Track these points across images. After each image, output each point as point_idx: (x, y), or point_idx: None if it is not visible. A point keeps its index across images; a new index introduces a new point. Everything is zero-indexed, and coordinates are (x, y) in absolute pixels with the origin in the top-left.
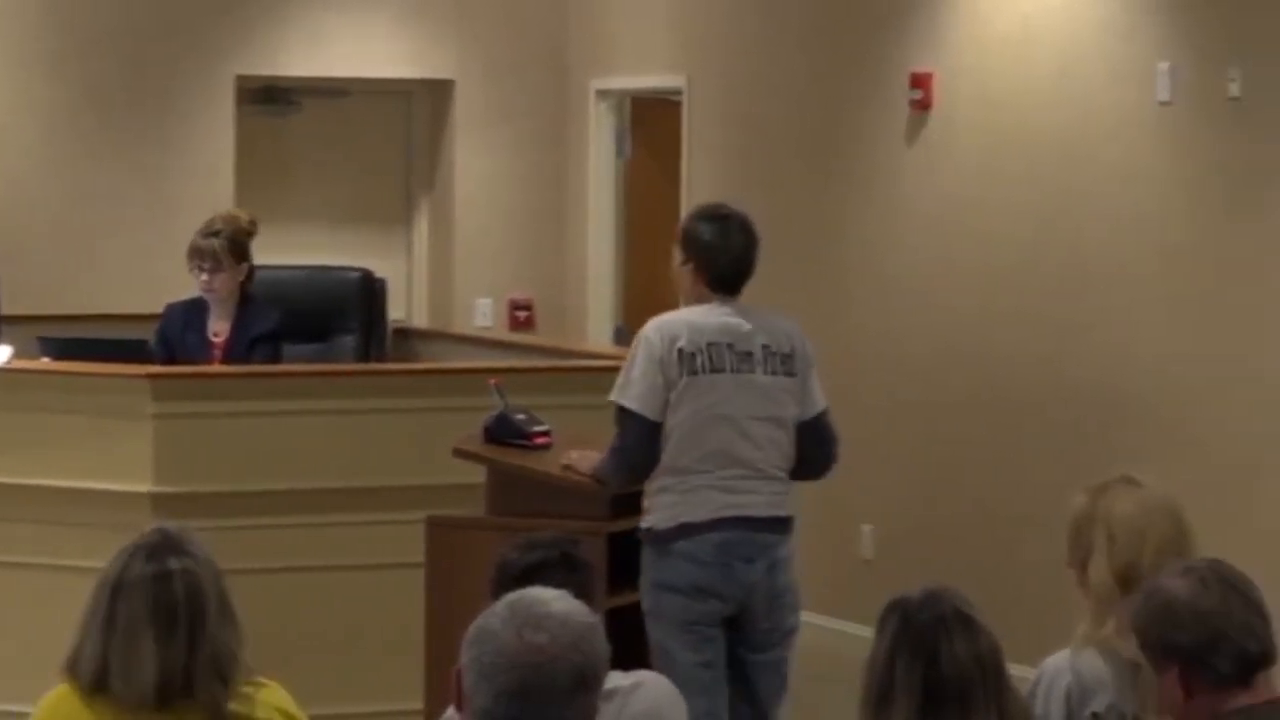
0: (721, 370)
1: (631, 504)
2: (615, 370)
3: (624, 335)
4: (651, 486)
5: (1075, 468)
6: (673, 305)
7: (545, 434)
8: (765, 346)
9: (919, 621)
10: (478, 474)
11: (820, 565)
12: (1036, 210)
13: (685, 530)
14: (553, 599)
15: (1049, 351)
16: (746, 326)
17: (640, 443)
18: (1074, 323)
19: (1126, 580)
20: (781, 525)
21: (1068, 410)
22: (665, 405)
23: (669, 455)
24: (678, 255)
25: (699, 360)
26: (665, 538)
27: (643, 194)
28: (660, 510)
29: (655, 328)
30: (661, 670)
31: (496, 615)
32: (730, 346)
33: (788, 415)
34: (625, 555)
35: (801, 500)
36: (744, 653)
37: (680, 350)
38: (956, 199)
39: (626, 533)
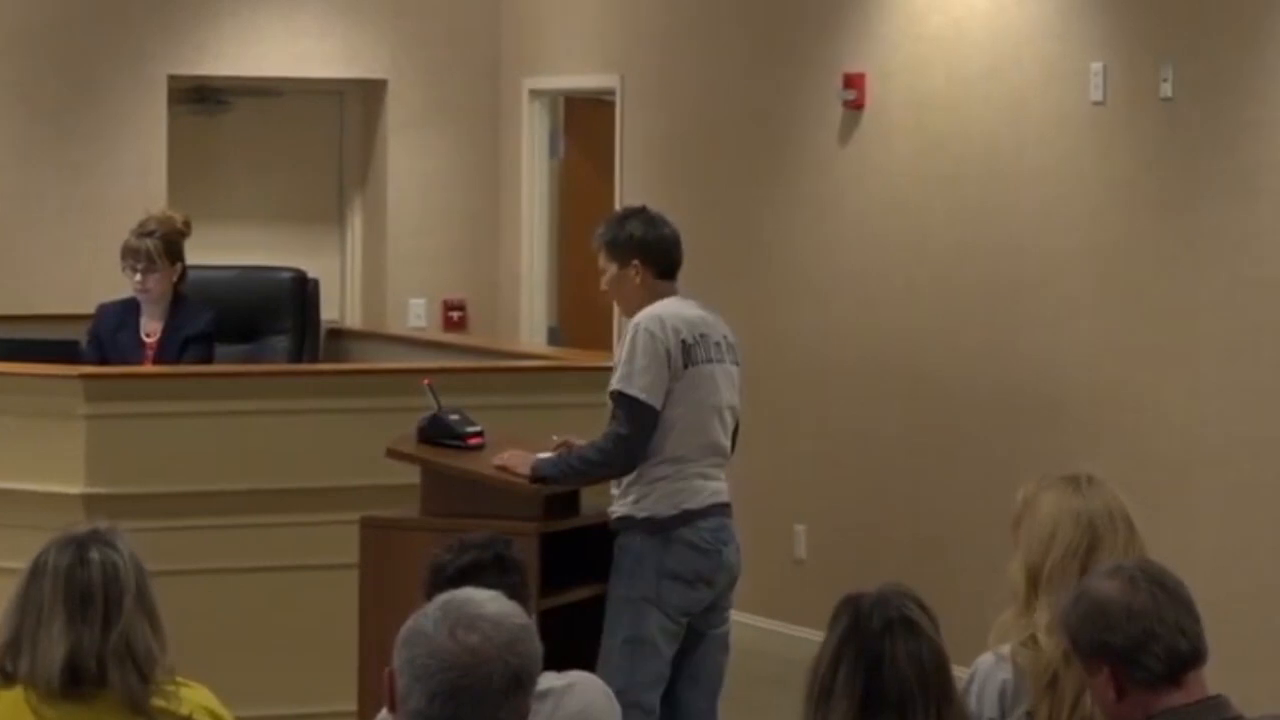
0: (709, 361)
1: (565, 504)
2: (549, 371)
3: (558, 336)
4: (645, 475)
5: (1010, 467)
6: (608, 305)
7: (479, 434)
8: (725, 336)
9: (867, 625)
10: (412, 475)
11: (754, 565)
12: (969, 211)
13: (687, 517)
14: (485, 600)
15: (982, 351)
16: (710, 317)
17: (646, 431)
18: (1007, 323)
19: (1031, 582)
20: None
21: (1002, 410)
22: (665, 396)
23: (671, 445)
24: (612, 266)
25: (697, 352)
26: (668, 525)
27: (576, 195)
28: (659, 498)
29: (655, 321)
30: (637, 665)
31: (429, 617)
32: (708, 337)
33: (738, 403)
34: (558, 556)
35: (735, 500)
36: (704, 628)
37: (684, 342)
38: (889, 200)
39: (559, 533)
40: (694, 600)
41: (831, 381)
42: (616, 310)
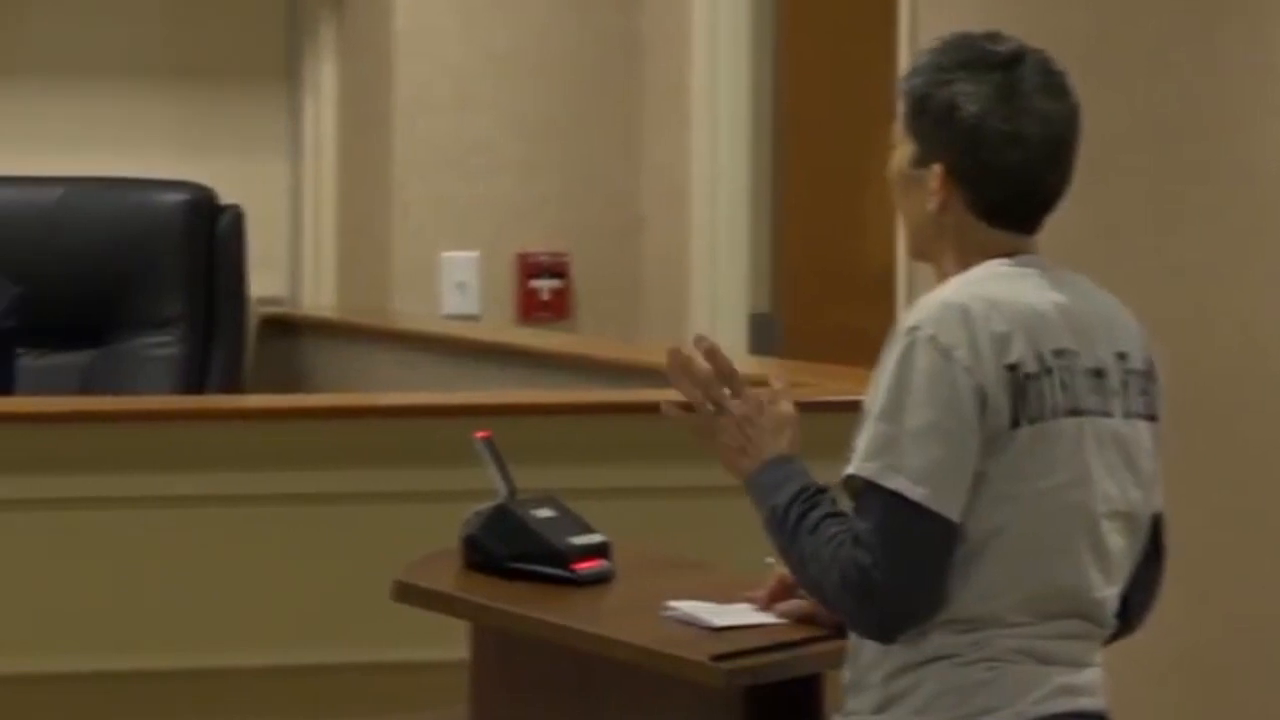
0: (1078, 412)
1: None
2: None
3: (773, 332)
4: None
5: None
6: (886, 258)
7: (599, 552)
8: (1121, 356)
9: None
10: (452, 640)
11: None
12: None
13: None
14: None
15: None
16: (1092, 310)
17: (927, 565)
18: None
19: None
20: None
21: None
22: (970, 488)
23: (967, 591)
24: (908, 145)
25: (1045, 391)
26: None
27: (815, 31)
28: (930, 699)
29: (951, 320)
30: None
31: None
32: (1073, 357)
33: (1146, 505)
34: None
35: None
36: None
37: (1012, 368)
38: None
39: None
40: None
41: None
42: (904, 260)
